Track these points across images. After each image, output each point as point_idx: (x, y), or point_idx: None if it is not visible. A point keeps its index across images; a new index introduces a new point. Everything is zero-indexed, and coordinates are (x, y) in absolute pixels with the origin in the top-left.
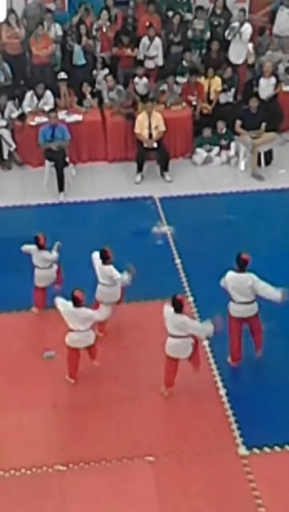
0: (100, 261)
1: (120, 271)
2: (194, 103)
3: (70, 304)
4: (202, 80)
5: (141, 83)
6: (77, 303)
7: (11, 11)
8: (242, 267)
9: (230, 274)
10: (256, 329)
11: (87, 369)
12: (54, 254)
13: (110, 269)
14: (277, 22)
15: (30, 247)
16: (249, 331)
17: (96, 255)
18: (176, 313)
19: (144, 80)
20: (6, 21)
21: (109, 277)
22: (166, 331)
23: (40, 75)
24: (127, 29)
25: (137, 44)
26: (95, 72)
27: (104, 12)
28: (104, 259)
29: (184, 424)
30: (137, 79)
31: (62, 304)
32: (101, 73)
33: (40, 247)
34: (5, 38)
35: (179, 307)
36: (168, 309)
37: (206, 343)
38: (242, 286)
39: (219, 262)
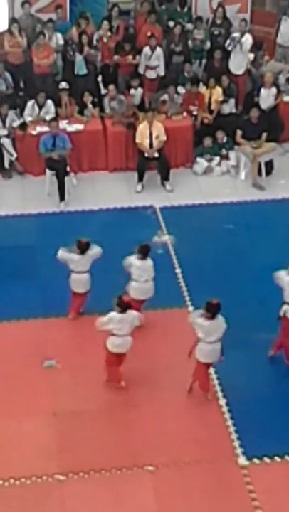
0: (140, 256)
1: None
2: (195, 113)
3: (112, 313)
4: (203, 89)
5: (137, 94)
6: (126, 308)
7: (13, 20)
8: None
9: None
10: None
11: (86, 378)
12: (96, 249)
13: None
14: (281, 32)
15: (70, 256)
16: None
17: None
18: (214, 319)
19: (140, 90)
20: (9, 30)
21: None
22: (200, 339)
23: (42, 85)
24: (128, 37)
25: (138, 52)
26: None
27: (105, 22)
28: (145, 254)
29: (183, 433)
30: (132, 90)
31: (107, 318)
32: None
33: (84, 252)
34: (7, 47)
35: (216, 311)
36: (201, 320)
37: None
38: None
39: (219, 272)
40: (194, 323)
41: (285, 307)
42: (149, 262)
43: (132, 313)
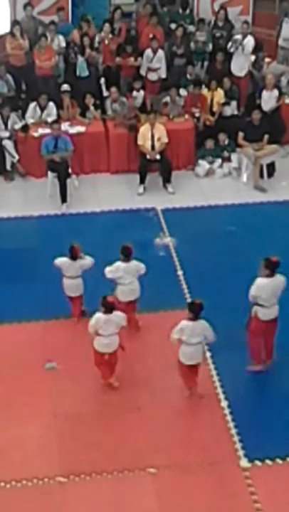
0: (124, 259)
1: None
2: (197, 115)
3: (98, 314)
4: (205, 91)
5: (139, 96)
6: (111, 308)
7: (15, 22)
8: (273, 270)
9: (264, 281)
10: (273, 330)
11: (87, 380)
12: (89, 260)
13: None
14: (283, 34)
15: (63, 261)
16: (266, 335)
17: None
18: (195, 321)
19: (142, 92)
20: (11, 33)
21: (137, 271)
22: (182, 342)
23: (44, 87)
24: (130, 39)
25: (140, 54)
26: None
27: (107, 25)
28: (128, 256)
29: (185, 435)
30: (134, 92)
31: (94, 320)
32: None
33: (75, 258)
34: (9, 50)
35: (198, 311)
36: (185, 322)
37: (208, 354)
38: (277, 288)
39: (221, 274)
40: (176, 332)
41: (255, 307)
42: (133, 263)
43: (117, 313)
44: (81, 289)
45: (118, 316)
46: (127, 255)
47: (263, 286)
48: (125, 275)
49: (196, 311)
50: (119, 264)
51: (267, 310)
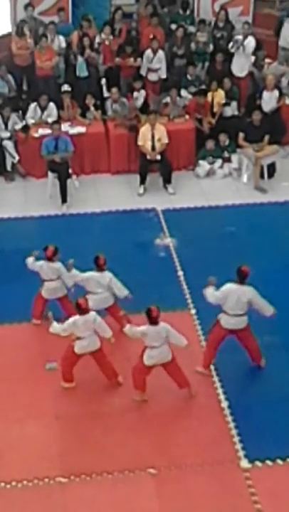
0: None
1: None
2: (199, 116)
3: (74, 318)
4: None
5: (140, 96)
6: (85, 310)
7: (23, 21)
8: (243, 279)
9: (231, 287)
10: (247, 339)
11: (89, 381)
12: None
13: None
14: (284, 34)
15: (38, 264)
16: (241, 344)
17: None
18: (156, 326)
19: (142, 92)
20: (20, 32)
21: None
22: (146, 345)
23: (44, 87)
24: (130, 40)
25: (140, 55)
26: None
27: (107, 26)
28: (99, 266)
29: (186, 436)
30: (136, 93)
31: (71, 322)
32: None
33: (49, 259)
34: (15, 50)
35: (155, 317)
36: (146, 326)
37: None
38: (241, 299)
39: (221, 274)
40: (136, 332)
41: (220, 314)
42: (106, 274)
43: (92, 313)
44: (59, 292)
45: (94, 315)
46: (99, 266)
47: (230, 291)
48: (96, 285)
49: (150, 317)
50: (92, 274)
51: (230, 318)
